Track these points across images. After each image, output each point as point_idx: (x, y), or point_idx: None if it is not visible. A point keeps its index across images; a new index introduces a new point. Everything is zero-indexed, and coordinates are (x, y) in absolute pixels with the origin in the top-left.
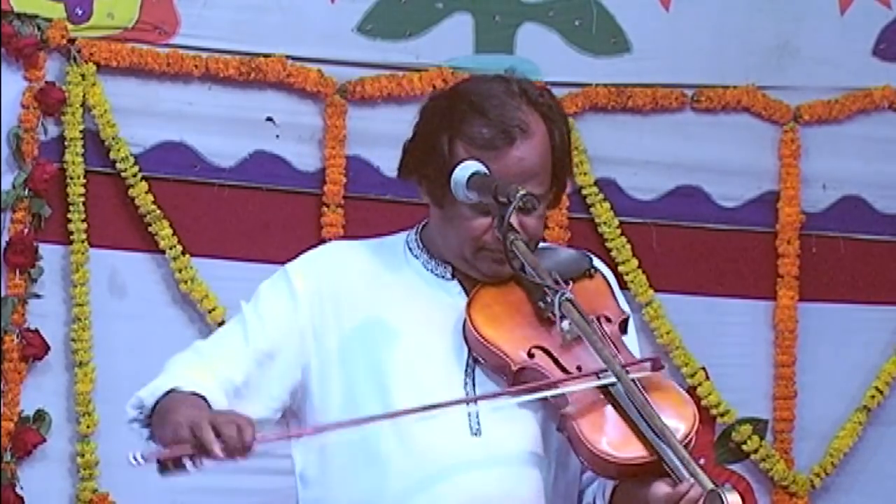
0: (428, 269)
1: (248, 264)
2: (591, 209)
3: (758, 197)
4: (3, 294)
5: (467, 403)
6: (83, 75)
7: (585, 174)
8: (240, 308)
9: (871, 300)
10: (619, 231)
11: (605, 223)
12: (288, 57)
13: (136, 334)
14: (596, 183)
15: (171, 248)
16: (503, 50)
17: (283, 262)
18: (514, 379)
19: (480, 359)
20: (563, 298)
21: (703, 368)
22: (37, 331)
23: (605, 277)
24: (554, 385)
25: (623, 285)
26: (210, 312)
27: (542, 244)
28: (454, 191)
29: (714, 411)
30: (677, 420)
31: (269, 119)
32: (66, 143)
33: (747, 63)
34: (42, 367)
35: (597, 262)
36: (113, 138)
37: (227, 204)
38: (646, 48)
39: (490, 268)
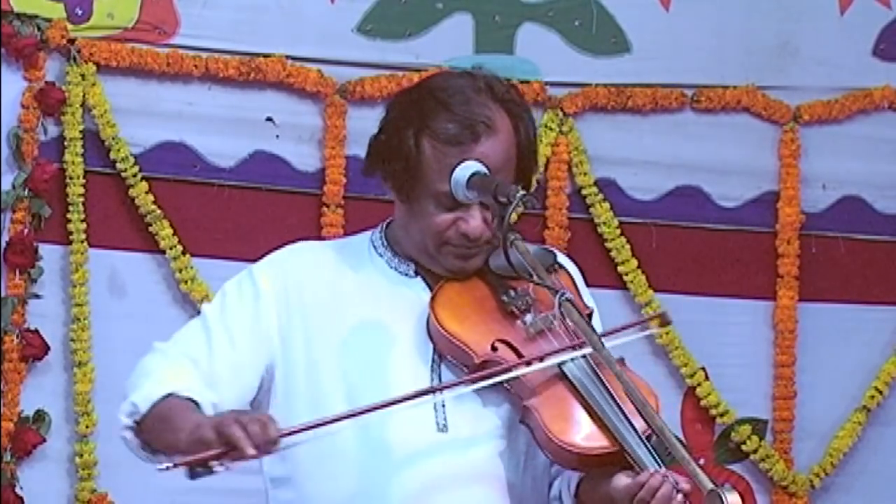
0: (391, 267)
1: (249, 264)
2: (591, 209)
3: (758, 197)
4: (3, 294)
5: (427, 395)
6: (83, 75)
7: (585, 174)
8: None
9: (870, 300)
10: (618, 231)
11: (604, 223)
12: (288, 57)
13: (135, 334)
14: (596, 183)
15: (171, 248)
16: (503, 50)
17: None
18: (477, 372)
19: (445, 353)
20: (563, 298)
21: (703, 368)
22: (36, 331)
23: (569, 273)
24: (509, 369)
25: (623, 285)
26: None
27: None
28: (454, 190)
29: (714, 411)
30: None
31: (269, 119)
32: (65, 144)
33: (747, 63)
34: (42, 367)
35: (561, 258)
36: (113, 138)
37: (227, 204)
38: (646, 48)
39: (453, 263)
